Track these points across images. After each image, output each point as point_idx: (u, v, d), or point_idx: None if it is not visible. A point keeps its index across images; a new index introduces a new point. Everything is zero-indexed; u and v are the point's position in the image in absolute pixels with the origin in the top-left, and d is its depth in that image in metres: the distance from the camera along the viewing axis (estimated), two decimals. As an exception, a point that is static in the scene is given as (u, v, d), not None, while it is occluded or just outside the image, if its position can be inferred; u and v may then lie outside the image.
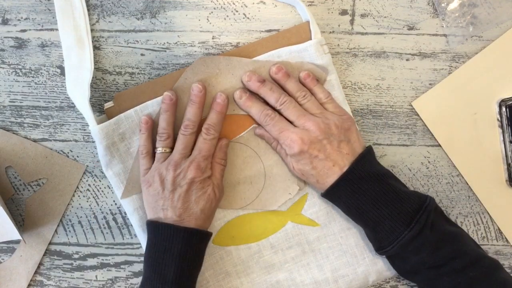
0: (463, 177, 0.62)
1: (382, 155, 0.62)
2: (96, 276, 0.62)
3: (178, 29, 0.60)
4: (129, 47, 0.60)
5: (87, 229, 0.62)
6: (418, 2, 0.60)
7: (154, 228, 0.53)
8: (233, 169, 0.58)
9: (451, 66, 0.61)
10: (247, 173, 0.58)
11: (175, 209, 0.53)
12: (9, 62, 0.61)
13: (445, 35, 0.61)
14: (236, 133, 0.58)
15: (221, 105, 0.55)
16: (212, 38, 0.60)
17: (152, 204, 0.54)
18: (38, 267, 0.62)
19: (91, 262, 0.62)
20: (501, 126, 0.60)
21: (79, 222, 0.62)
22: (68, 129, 0.61)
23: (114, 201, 0.62)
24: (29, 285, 0.62)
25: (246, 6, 0.60)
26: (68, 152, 0.61)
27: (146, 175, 0.55)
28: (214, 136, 0.55)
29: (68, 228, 0.62)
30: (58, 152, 0.61)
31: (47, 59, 0.61)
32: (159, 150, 0.55)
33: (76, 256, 0.62)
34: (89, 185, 0.62)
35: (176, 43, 0.60)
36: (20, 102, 0.61)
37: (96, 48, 0.60)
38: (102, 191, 0.62)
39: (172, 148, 0.55)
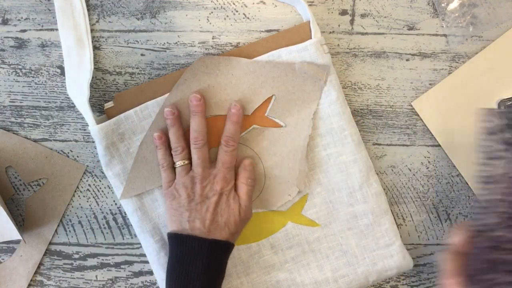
0: (463, 177, 0.62)
1: (382, 155, 0.62)
2: (96, 276, 0.62)
3: (178, 29, 0.60)
4: (129, 47, 0.60)
5: (87, 229, 0.62)
6: (418, 2, 0.60)
7: (180, 240, 0.54)
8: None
9: (451, 66, 0.61)
10: (247, 173, 0.58)
11: (204, 221, 0.53)
12: (9, 62, 0.61)
13: (445, 35, 0.61)
14: (236, 133, 0.58)
15: (236, 115, 0.56)
16: (212, 38, 0.60)
17: (176, 217, 0.54)
18: (38, 267, 0.62)
19: (91, 262, 0.62)
20: (501, 126, 0.60)
21: (79, 222, 0.62)
22: (68, 129, 0.61)
23: (114, 201, 0.62)
24: (29, 285, 0.62)
25: (246, 6, 0.60)
26: (68, 152, 0.61)
27: (169, 188, 0.55)
28: (234, 147, 0.55)
29: (68, 228, 0.62)
30: (58, 152, 0.61)
31: (47, 59, 0.61)
32: (178, 164, 0.55)
33: (76, 256, 0.62)
34: (89, 185, 0.62)
35: (176, 43, 0.60)
36: (20, 102, 0.61)
37: (96, 48, 0.60)
38: (102, 191, 0.62)
39: (189, 160, 0.55)
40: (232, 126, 0.56)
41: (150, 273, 0.62)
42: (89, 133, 0.60)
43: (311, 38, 0.58)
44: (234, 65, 0.56)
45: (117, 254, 0.62)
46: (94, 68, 0.60)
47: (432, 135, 0.61)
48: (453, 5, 0.60)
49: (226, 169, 0.55)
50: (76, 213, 0.62)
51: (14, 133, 0.61)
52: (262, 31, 0.61)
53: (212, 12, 0.60)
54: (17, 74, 0.61)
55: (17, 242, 0.62)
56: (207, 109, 0.57)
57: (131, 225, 0.61)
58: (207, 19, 0.60)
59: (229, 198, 0.54)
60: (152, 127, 0.56)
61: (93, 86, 0.61)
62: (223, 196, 0.54)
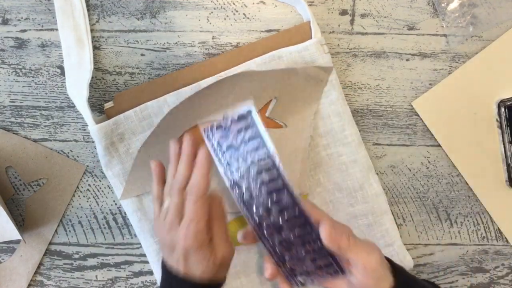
0: (463, 177, 0.62)
1: (382, 155, 0.62)
2: (96, 276, 0.62)
3: (178, 29, 0.60)
4: (129, 47, 0.60)
5: (87, 229, 0.62)
6: (418, 2, 0.60)
7: (163, 272, 0.50)
8: (233, 169, 0.58)
9: (451, 66, 0.61)
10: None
11: (179, 266, 0.48)
12: (9, 62, 0.61)
13: (445, 35, 0.61)
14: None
15: (203, 164, 0.48)
16: (212, 38, 0.60)
17: (162, 247, 0.51)
18: (38, 267, 0.62)
19: (91, 262, 0.62)
20: (500, 127, 0.60)
21: (79, 222, 0.62)
22: (68, 129, 0.61)
23: (114, 201, 0.62)
24: (29, 285, 0.62)
25: (246, 6, 0.60)
26: (68, 152, 0.61)
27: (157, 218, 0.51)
28: (198, 199, 0.47)
29: (68, 228, 0.62)
30: (58, 152, 0.61)
31: (47, 59, 0.61)
32: (166, 203, 0.50)
33: (76, 256, 0.62)
34: (89, 185, 0.62)
35: (176, 43, 0.60)
36: (20, 102, 0.61)
37: (96, 48, 0.60)
38: (102, 191, 0.62)
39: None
40: (198, 176, 0.48)
41: (150, 273, 0.62)
42: (89, 133, 0.60)
43: (311, 38, 0.58)
44: (240, 77, 0.55)
45: (117, 254, 0.62)
46: (94, 68, 0.60)
47: (432, 135, 0.61)
48: (453, 5, 0.60)
49: (192, 222, 0.47)
50: (76, 213, 0.62)
51: (14, 133, 0.61)
52: (262, 31, 0.61)
53: (212, 12, 0.60)
54: (17, 74, 0.61)
55: (17, 242, 0.62)
56: (208, 114, 0.56)
57: (131, 225, 0.61)
58: (207, 19, 0.60)
59: (203, 251, 0.48)
60: (153, 133, 0.55)
61: (93, 86, 0.61)
62: (191, 253, 0.47)
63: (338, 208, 0.59)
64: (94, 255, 0.62)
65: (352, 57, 0.61)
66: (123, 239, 0.62)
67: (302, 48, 0.57)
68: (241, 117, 0.46)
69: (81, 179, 0.62)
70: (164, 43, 0.60)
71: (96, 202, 0.62)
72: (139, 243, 0.61)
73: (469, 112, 0.61)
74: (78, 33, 0.58)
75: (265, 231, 0.47)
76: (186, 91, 0.57)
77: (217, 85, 0.55)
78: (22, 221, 0.62)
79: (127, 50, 0.61)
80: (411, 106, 0.61)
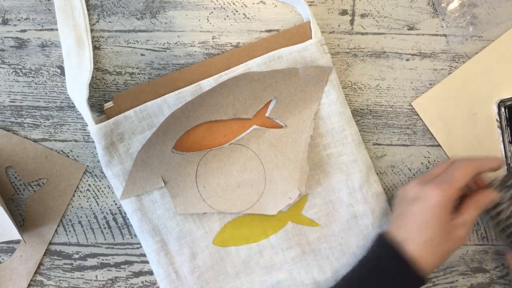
0: (463, 177, 0.62)
1: (382, 155, 0.62)
2: (96, 276, 0.62)
3: (178, 29, 0.60)
4: (129, 47, 0.60)
5: (87, 229, 0.62)
6: (418, 2, 0.60)
7: (382, 245, 0.54)
8: (232, 171, 0.58)
9: (451, 66, 0.61)
10: (247, 176, 0.58)
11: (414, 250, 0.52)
12: (9, 62, 0.61)
13: (445, 35, 0.61)
14: (237, 133, 0.58)
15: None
16: (212, 38, 0.60)
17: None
18: (38, 267, 0.62)
19: (91, 262, 0.62)
20: (500, 127, 0.60)
21: (79, 222, 0.62)
22: (68, 129, 0.61)
23: (114, 201, 0.62)
24: (29, 285, 0.62)
25: (246, 6, 0.60)
26: (68, 152, 0.61)
27: None
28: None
29: (68, 228, 0.62)
30: (58, 152, 0.61)
31: (47, 59, 0.61)
32: None
33: (76, 256, 0.62)
34: (89, 185, 0.62)
35: (176, 43, 0.60)
36: (20, 102, 0.61)
37: (96, 48, 0.60)
38: (102, 191, 0.62)
39: None
40: None
41: (150, 273, 0.62)
42: (89, 133, 0.60)
43: (311, 38, 0.58)
44: (240, 78, 0.56)
45: (117, 254, 0.62)
46: (94, 68, 0.60)
47: (432, 135, 0.61)
48: (453, 5, 0.60)
49: None
50: (76, 213, 0.62)
51: (14, 133, 0.61)
52: (262, 31, 0.61)
53: (212, 12, 0.60)
54: (17, 74, 0.61)
55: (17, 242, 0.62)
56: (208, 115, 0.56)
57: (131, 225, 0.61)
58: (207, 19, 0.60)
59: None
60: (154, 134, 0.55)
61: (93, 86, 0.61)
62: None
63: (338, 208, 0.59)
64: (94, 255, 0.62)
65: (352, 57, 0.61)
66: (123, 239, 0.62)
67: (302, 48, 0.57)
68: None
69: (81, 179, 0.62)
70: (164, 43, 0.60)
71: (96, 202, 0.62)
72: (139, 243, 0.61)
73: (469, 112, 0.61)
74: (78, 33, 0.58)
75: None
76: (186, 91, 0.57)
77: (218, 87, 0.55)
78: (22, 221, 0.62)
79: (127, 50, 0.61)
80: (411, 106, 0.61)
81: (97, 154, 0.60)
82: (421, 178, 0.55)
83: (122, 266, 0.62)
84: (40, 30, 0.60)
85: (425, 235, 0.51)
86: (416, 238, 0.51)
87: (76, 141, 0.61)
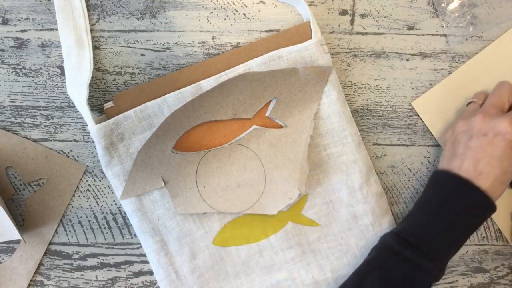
0: (463, 177, 0.62)
1: (382, 155, 0.62)
2: (96, 276, 0.62)
3: (178, 29, 0.60)
4: (129, 47, 0.60)
5: (87, 229, 0.62)
6: (418, 2, 0.60)
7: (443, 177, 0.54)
8: (232, 171, 0.58)
9: (451, 66, 0.61)
10: (247, 175, 0.58)
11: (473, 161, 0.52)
12: (9, 62, 0.61)
13: (445, 35, 0.61)
14: (237, 133, 0.58)
15: None
16: (212, 38, 0.60)
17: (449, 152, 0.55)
18: (38, 267, 0.62)
19: (91, 262, 0.62)
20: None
21: (79, 222, 0.62)
22: (68, 129, 0.61)
23: (114, 201, 0.62)
24: (29, 285, 0.62)
25: (246, 6, 0.60)
26: (68, 152, 0.61)
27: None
28: None
29: (68, 228, 0.62)
30: (58, 152, 0.61)
31: (47, 59, 0.61)
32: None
33: (76, 256, 0.62)
34: (89, 185, 0.62)
35: (176, 43, 0.60)
36: (20, 102, 0.61)
37: (96, 48, 0.60)
38: (102, 191, 0.62)
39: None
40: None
41: (150, 273, 0.62)
42: (89, 133, 0.60)
43: (311, 38, 0.58)
44: (240, 78, 0.56)
45: (117, 254, 0.62)
46: (94, 68, 0.60)
47: (432, 135, 0.61)
48: (453, 5, 0.60)
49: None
50: (76, 213, 0.62)
51: (14, 133, 0.61)
52: (262, 31, 0.61)
53: (212, 12, 0.60)
54: (17, 74, 0.61)
55: (17, 242, 0.62)
56: (208, 115, 0.56)
57: (131, 225, 0.61)
58: (207, 19, 0.60)
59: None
60: (154, 134, 0.55)
61: (93, 86, 0.61)
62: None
63: (338, 208, 0.59)
64: (94, 255, 0.62)
65: (352, 57, 0.61)
66: (123, 239, 0.62)
67: (302, 48, 0.57)
68: None
69: (81, 179, 0.62)
70: (164, 43, 0.60)
71: (96, 202, 0.62)
72: (139, 243, 0.61)
73: (469, 112, 0.61)
74: (78, 33, 0.58)
75: None
76: (186, 91, 0.57)
77: (218, 88, 0.55)
78: (22, 221, 0.62)
79: (127, 50, 0.61)
80: (411, 106, 0.61)
81: (97, 154, 0.60)
82: (473, 113, 0.55)
83: (122, 266, 0.62)
84: (40, 30, 0.60)
85: (499, 168, 0.51)
86: (490, 172, 0.51)
87: (76, 141, 0.61)
